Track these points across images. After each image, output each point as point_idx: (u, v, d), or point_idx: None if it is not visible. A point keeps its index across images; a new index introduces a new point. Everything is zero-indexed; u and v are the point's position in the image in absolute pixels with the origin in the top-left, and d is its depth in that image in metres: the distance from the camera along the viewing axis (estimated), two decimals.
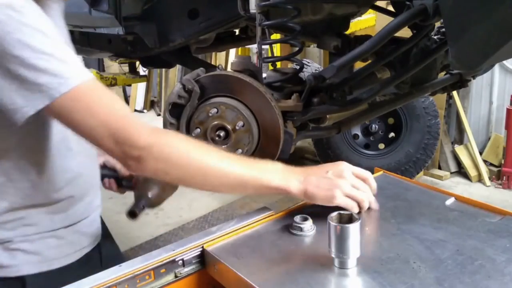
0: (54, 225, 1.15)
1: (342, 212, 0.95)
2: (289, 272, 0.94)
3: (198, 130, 1.37)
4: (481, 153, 4.54)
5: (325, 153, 4.27)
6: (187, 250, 1.04)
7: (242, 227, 1.10)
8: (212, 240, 1.10)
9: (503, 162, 4.21)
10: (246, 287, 0.91)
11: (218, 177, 1.03)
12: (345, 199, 1.02)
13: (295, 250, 1.02)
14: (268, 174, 1.03)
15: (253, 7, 1.54)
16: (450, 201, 1.19)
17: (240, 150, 1.35)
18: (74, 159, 1.18)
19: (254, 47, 5.27)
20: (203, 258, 1.05)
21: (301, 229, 1.05)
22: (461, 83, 2.15)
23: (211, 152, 1.05)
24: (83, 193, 1.22)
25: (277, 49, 4.70)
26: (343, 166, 1.07)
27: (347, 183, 1.04)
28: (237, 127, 1.33)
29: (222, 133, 1.35)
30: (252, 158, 1.10)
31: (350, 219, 0.94)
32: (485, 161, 4.49)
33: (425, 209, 1.12)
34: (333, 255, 0.93)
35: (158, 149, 0.99)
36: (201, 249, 1.04)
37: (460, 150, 4.58)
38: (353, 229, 0.90)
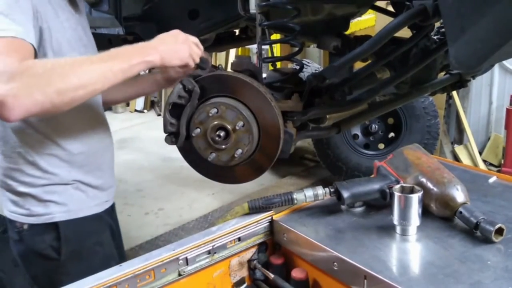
0: (71, 177, 1.42)
1: (404, 185, 1.12)
2: (356, 238, 1.09)
3: (198, 130, 1.37)
4: (480, 153, 4.54)
5: (325, 153, 4.28)
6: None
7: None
8: (213, 239, 1.10)
9: (502, 162, 4.21)
10: (319, 251, 1.05)
11: (88, 71, 1.14)
12: (191, 59, 1.32)
13: (355, 221, 1.17)
14: (126, 55, 1.20)
15: (253, 7, 1.55)
16: (492, 179, 1.33)
17: (240, 150, 1.35)
18: (83, 119, 1.43)
19: (254, 47, 5.28)
20: (271, 229, 1.20)
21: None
22: (460, 83, 2.15)
23: (68, 59, 1.22)
24: (93, 151, 1.47)
25: (277, 49, 4.70)
26: (177, 31, 1.33)
27: (192, 45, 1.33)
28: (237, 127, 1.33)
29: (222, 133, 1.35)
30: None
31: (411, 190, 1.09)
32: (484, 161, 4.49)
33: (471, 186, 1.21)
34: (395, 223, 1.08)
35: (22, 80, 1.05)
36: (270, 220, 1.20)
37: (459, 150, 4.58)
38: (415, 199, 1.05)
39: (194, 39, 1.36)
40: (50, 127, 1.37)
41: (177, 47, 1.30)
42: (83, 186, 1.46)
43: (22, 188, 1.40)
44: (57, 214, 1.42)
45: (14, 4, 1.15)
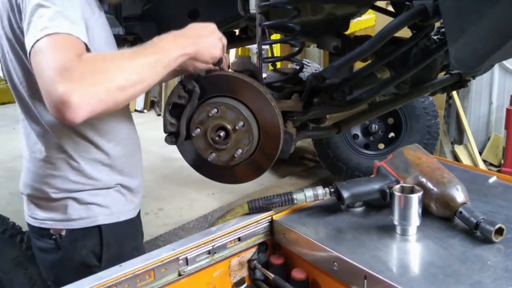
0: (113, 181, 1.40)
1: (404, 185, 1.12)
2: (356, 238, 1.09)
3: (198, 130, 1.37)
4: (480, 153, 4.54)
5: (325, 153, 4.28)
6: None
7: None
8: (213, 239, 1.10)
9: (502, 162, 4.21)
10: (319, 251, 1.05)
11: (143, 65, 1.09)
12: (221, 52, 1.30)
13: (355, 221, 1.17)
14: (168, 48, 1.16)
15: (253, 7, 1.55)
16: (492, 180, 1.34)
17: (240, 150, 1.35)
18: (122, 122, 1.42)
19: (254, 47, 5.27)
20: (271, 228, 1.20)
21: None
22: (460, 83, 2.15)
23: (119, 52, 1.23)
24: (130, 154, 1.46)
25: (277, 49, 4.70)
26: (214, 27, 1.29)
27: (220, 41, 1.29)
28: (237, 127, 1.33)
29: (222, 133, 1.35)
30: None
31: (411, 190, 1.09)
32: (484, 161, 4.49)
33: (471, 186, 1.21)
34: (395, 223, 1.09)
35: (85, 77, 0.99)
36: (270, 220, 1.20)
37: (459, 150, 4.58)
38: (415, 199, 1.05)
39: (224, 40, 1.32)
40: (93, 131, 1.33)
41: (213, 43, 1.26)
42: (123, 189, 1.44)
43: (60, 195, 1.34)
44: (100, 216, 1.37)
45: (67, 1, 1.11)
